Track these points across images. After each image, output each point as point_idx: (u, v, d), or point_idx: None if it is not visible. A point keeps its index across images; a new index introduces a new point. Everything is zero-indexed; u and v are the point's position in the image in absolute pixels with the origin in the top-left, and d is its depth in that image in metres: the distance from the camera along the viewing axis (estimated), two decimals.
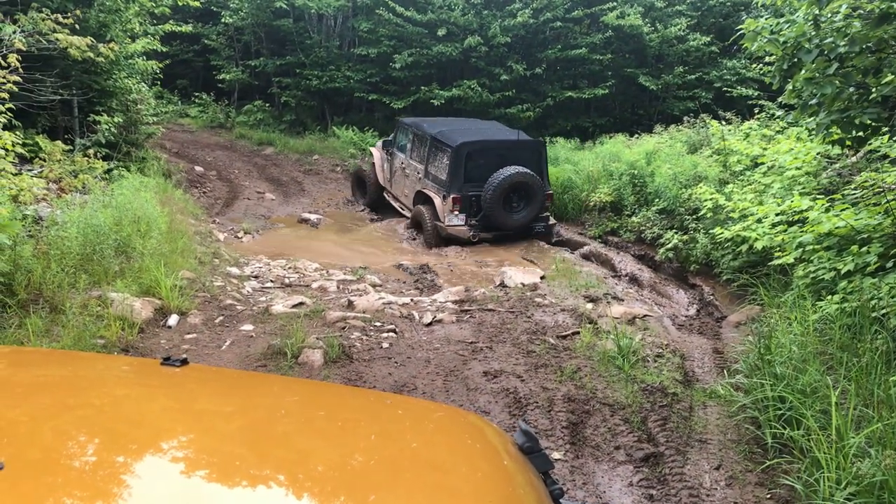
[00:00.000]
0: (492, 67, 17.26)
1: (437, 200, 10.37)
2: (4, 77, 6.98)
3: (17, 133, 7.00)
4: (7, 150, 6.06)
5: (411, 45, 17.51)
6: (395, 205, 12.01)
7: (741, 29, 5.62)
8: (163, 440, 1.49)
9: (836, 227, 5.55)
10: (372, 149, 13.18)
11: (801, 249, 5.84)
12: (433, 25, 17.11)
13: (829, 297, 5.02)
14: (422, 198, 10.80)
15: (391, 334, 5.96)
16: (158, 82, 14.76)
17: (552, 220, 10.90)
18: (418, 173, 10.98)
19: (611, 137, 14.70)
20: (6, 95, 6.82)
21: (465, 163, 10.14)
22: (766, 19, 5.75)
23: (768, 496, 3.62)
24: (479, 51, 16.93)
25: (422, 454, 1.59)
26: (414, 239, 10.89)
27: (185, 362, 1.88)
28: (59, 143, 8.72)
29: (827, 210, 5.85)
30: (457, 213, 10.17)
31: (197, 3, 13.33)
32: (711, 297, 8.13)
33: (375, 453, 1.56)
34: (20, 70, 7.26)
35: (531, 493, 1.49)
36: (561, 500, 1.66)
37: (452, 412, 1.98)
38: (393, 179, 12.08)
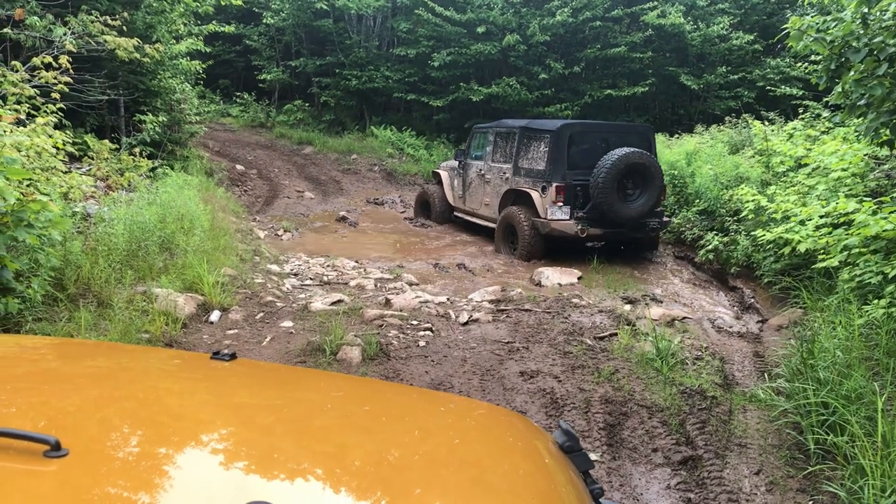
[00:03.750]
0: (530, 66, 17.21)
1: (535, 195, 9.18)
2: (56, 78, 7.21)
3: (67, 132, 7.22)
4: (58, 148, 6.25)
5: (450, 44, 17.56)
6: (473, 220, 10.94)
7: (786, 27, 5.52)
8: (204, 432, 1.53)
9: (884, 230, 5.41)
10: (438, 170, 12.46)
11: (846, 252, 5.72)
12: (472, 25, 17.13)
13: (876, 301, 4.90)
14: (511, 198, 9.78)
15: (428, 333, 5.99)
16: (201, 82, 15.05)
17: (666, 217, 9.67)
18: (504, 174, 9.98)
19: None
20: (57, 96, 7.04)
21: (567, 147, 9.02)
22: (811, 17, 5.64)
23: (810, 503, 3.56)
24: (518, 49, 16.90)
25: (461, 451, 1.59)
26: (500, 252, 9.72)
27: (233, 357, 1.93)
28: (106, 141, 8.96)
29: (874, 212, 5.72)
30: (560, 204, 8.90)
31: (239, 3, 13.56)
32: (752, 300, 8.00)
33: (414, 449, 1.56)
34: (71, 71, 7.49)
35: (571, 491, 1.49)
36: (601, 500, 1.65)
37: (493, 410, 1.97)
38: (467, 193, 11.05)
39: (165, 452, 1.40)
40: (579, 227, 8.87)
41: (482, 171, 10.58)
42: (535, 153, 9.37)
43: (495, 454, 1.59)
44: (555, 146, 9.03)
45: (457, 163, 11.38)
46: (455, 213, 11.60)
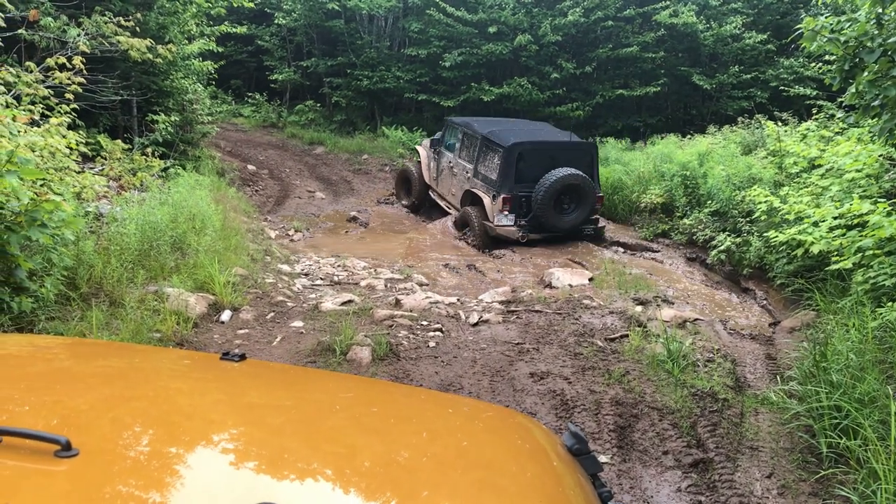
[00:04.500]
0: (542, 66, 17.17)
1: (487, 200, 10.26)
2: (69, 78, 7.25)
3: (81, 132, 7.27)
4: (71, 149, 6.29)
5: (461, 44, 17.55)
6: (442, 203, 11.96)
7: (799, 27, 5.48)
8: (214, 432, 1.54)
9: None
10: (418, 147, 13.25)
11: (860, 254, 5.67)
12: (483, 25, 17.12)
13: (890, 303, 4.85)
14: (470, 197, 10.75)
15: (438, 333, 5.99)
16: (213, 82, 15.10)
17: (602, 223, 10.81)
18: (467, 172, 10.93)
19: (662, 138, 14.50)
20: (71, 96, 7.08)
21: (516, 163, 10.07)
22: (825, 17, 5.59)
23: None
24: (530, 49, 16.87)
25: (470, 453, 1.59)
26: (462, 239, 10.80)
27: (243, 357, 1.94)
28: (119, 141, 9.01)
29: (889, 214, 5.66)
30: (506, 213, 10.07)
31: (251, 5, 13.61)
32: (765, 302, 7.95)
33: (423, 450, 1.57)
34: (84, 71, 7.53)
35: (579, 494, 1.48)
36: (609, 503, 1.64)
37: (502, 412, 1.98)
38: (439, 178, 12.03)
39: (175, 452, 1.40)
40: (521, 233, 10.10)
41: (451, 164, 11.59)
42: (491, 163, 10.44)
43: (503, 456, 1.59)
44: (505, 161, 10.10)
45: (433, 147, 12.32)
46: (430, 192, 12.42)
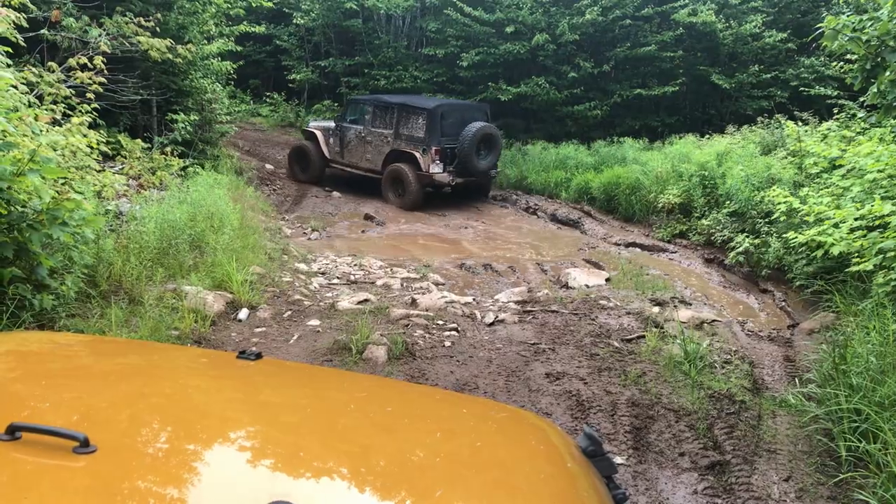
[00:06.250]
0: (559, 65, 17.11)
1: (418, 155, 12.36)
2: (91, 78, 7.33)
3: (101, 132, 7.34)
4: (92, 148, 6.36)
5: (478, 44, 17.53)
6: (353, 171, 13.72)
7: (821, 26, 5.43)
8: (230, 430, 1.55)
9: None
10: (310, 128, 14.56)
11: (881, 256, 5.60)
12: (501, 24, 17.08)
13: None
14: (394, 157, 12.76)
15: (453, 333, 6.00)
16: (232, 82, 15.19)
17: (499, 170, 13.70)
18: (386, 138, 12.92)
19: (680, 137, 14.38)
20: (92, 96, 7.17)
21: (440, 121, 12.28)
22: (847, 16, 5.53)
23: None
24: (547, 49, 16.81)
25: (484, 453, 1.59)
26: (399, 196, 12.73)
27: (259, 356, 1.95)
28: (138, 141, 9.10)
29: None
30: (437, 161, 12.25)
31: (270, 5, 13.69)
32: (783, 303, 7.88)
33: (437, 450, 1.58)
34: (105, 71, 7.62)
35: (593, 496, 1.48)
36: None
37: (516, 413, 1.98)
38: (346, 150, 13.74)
39: (191, 450, 1.42)
40: (451, 177, 12.44)
41: (362, 134, 13.37)
42: (415, 124, 12.55)
43: (517, 457, 1.59)
44: (431, 120, 12.29)
45: (331, 125, 14.06)
46: (331, 166, 14.16)
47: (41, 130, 5.49)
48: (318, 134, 14.24)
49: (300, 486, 1.33)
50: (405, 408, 1.84)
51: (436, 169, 12.29)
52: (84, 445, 1.26)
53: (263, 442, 1.51)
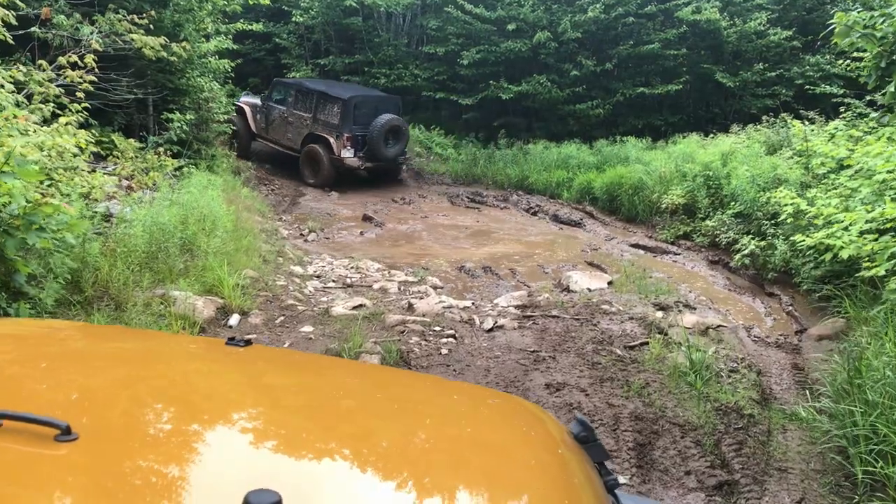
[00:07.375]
0: (561, 64, 16.90)
1: (332, 140, 13.55)
2: (81, 77, 7.15)
3: (93, 131, 7.15)
4: (81, 148, 6.18)
5: (479, 42, 17.33)
6: (275, 147, 14.88)
7: (832, 23, 5.24)
8: (233, 412, 1.56)
9: None
10: (240, 104, 15.39)
11: (893, 261, 5.41)
12: (502, 22, 16.88)
13: None
14: (312, 139, 13.91)
15: (451, 340, 5.82)
16: (230, 81, 15.00)
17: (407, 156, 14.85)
18: (305, 121, 14.07)
19: (684, 137, 14.18)
20: (82, 95, 6.98)
21: (353, 111, 13.43)
22: (857, 13, 5.34)
23: None
24: (549, 47, 16.60)
25: (478, 438, 1.61)
26: (315, 175, 13.98)
27: (248, 343, 1.94)
28: (132, 140, 8.90)
29: None
30: (348, 147, 13.43)
31: (268, 2, 13.49)
32: (790, 308, 7.68)
33: (434, 434, 1.60)
34: (96, 70, 7.43)
35: (585, 481, 1.49)
36: (616, 492, 1.65)
37: (508, 399, 2.00)
38: (270, 127, 14.86)
39: (175, 438, 1.41)
40: (360, 162, 13.64)
41: (285, 115, 14.54)
42: (331, 111, 13.71)
43: (510, 443, 1.61)
44: (345, 109, 13.45)
45: (259, 102, 15.14)
46: (258, 140, 15.31)
47: (27, 130, 5.32)
48: (247, 109, 15.30)
49: (305, 466, 1.33)
50: (398, 393, 1.83)
51: (347, 154, 13.48)
52: (66, 433, 1.24)
53: (265, 424, 1.51)
